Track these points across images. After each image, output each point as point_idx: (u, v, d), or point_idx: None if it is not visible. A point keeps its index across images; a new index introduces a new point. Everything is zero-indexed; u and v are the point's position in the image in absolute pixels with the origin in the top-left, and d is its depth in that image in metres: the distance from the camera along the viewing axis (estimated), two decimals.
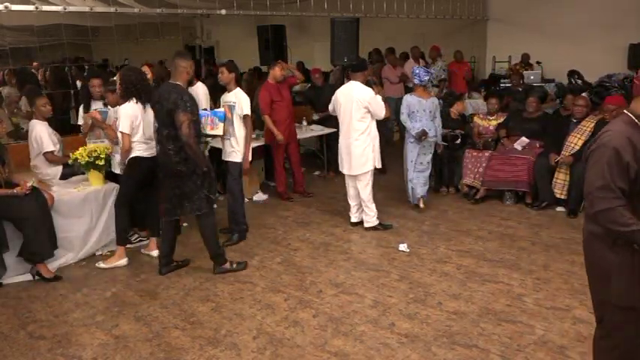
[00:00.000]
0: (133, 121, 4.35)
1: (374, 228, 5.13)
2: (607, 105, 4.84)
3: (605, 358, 2.29)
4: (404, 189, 6.55)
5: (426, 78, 5.60)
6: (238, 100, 4.79)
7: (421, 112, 5.51)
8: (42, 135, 4.81)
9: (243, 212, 5.11)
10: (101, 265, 4.54)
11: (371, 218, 5.14)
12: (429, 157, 5.67)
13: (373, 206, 5.14)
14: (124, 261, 4.57)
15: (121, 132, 4.37)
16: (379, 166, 5.18)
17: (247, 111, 4.79)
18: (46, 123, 4.91)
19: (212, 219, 4.27)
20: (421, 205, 5.62)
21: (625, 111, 2.17)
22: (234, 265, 4.39)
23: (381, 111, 4.98)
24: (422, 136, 5.47)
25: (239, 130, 4.81)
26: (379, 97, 5.05)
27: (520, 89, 7.52)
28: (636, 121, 2.11)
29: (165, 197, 4.18)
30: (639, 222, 2.01)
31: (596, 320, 2.34)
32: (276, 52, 8.84)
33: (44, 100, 4.96)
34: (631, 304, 2.12)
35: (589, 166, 2.14)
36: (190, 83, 4.27)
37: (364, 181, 5.08)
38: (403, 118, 5.60)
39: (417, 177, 5.66)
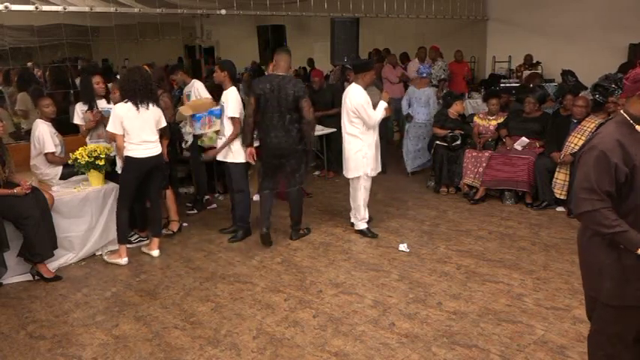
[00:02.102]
0: (121, 122, 4.35)
1: (361, 232, 5.03)
2: (620, 100, 4.93)
3: (597, 354, 2.30)
4: (404, 189, 6.58)
5: (424, 72, 7.09)
6: (227, 100, 4.80)
7: (414, 100, 6.98)
8: (44, 135, 4.81)
9: (249, 210, 5.14)
10: (104, 257, 4.61)
11: (358, 221, 5.05)
12: (423, 137, 6.90)
13: (363, 211, 5.00)
14: (123, 260, 4.57)
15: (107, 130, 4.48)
16: (372, 174, 4.93)
17: (233, 113, 4.76)
18: (49, 123, 4.91)
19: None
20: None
21: (621, 111, 2.19)
22: (305, 230, 5.14)
23: (369, 119, 4.72)
24: (407, 117, 7.08)
25: (229, 130, 4.83)
26: (383, 104, 4.81)
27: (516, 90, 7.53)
28: (630, 120, 2.11)
29: (271, 173, 4.83)
30: (624, 223, 2.03)
31: (588, 317, 2.35)
32: None
33: (47, 100, 4.96)
34: (621, 303, 2.13)
35: (578, 168, 2.18)
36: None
37: (355, 186, 4.96)
38: (403, 102, 7.14)
39: (410, 151, 7.07)
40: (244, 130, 4.82)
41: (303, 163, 4.84)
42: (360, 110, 4.70)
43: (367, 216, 5.04)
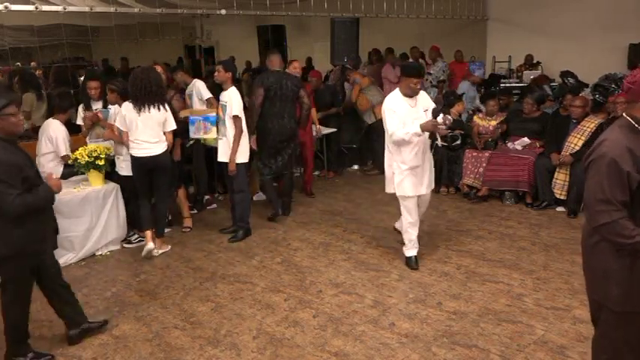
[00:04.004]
0: (124, 118, 4.50)
1: (406, 260, 4.33)
2: (619, 98, 5.02)
3: (600, 358, 2.28)
4: None
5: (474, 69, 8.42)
6: (229, 99, 4.81)
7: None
8: (61, 137, 4.94)
9: (249, 210, 5.17)
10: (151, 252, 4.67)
11: (404, 246, 4.36)
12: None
13: (409, 234, 4.29)
14: (149, 245, 4.63)
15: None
16: (398, 192, 4.23)
17: (236, 112, 4.79)
18: (64, 126, 5.05)
19: None
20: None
21: (624, 114, 2.13)
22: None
23: (387, 132, 4.10)
24: None
25: (231, 130, 4.83)
26: (415, 128, 3.91)
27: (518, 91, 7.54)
28: (635, 124, 2.06)
29: (275, 158, 5.41)
30: None
31: (592, 320, 2.33)
32: None
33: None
34: (628, 309, 2.10)
35: (588, 178, 2.10)
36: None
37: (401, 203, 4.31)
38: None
39: None
40: (252, 119, 5.18)
41: (297, 146, 5.63)
42: (383, 115, 4.15)
43: (414, 242, 4.31)
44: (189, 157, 6.03)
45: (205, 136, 4.96)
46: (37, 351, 3.21)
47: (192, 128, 5.02)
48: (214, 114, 4.95)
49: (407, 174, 4.16)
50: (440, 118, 4.01)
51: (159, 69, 5.13)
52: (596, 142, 2.12)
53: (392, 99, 4.15)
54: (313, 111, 6.31)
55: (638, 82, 2.06)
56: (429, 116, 4.00)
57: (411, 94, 4.11)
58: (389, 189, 4.33)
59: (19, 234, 2.88)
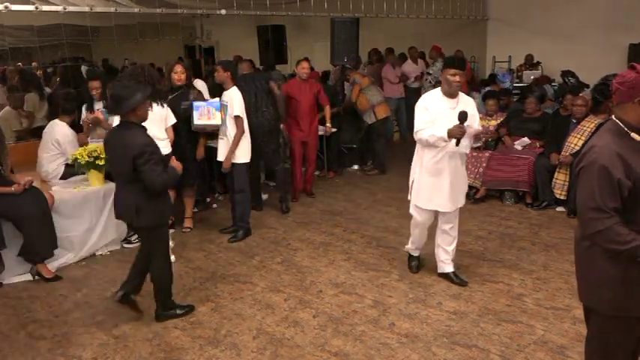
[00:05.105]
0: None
1: (408, 258, 4.34)
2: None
3: (593, 359, 2.28)
4: (404, 189, 6.55)
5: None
6: (230, 99, 4.80)
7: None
8: (67, 140, 4.96)
9: (250, 210, 5.19)
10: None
11: (409, 244, 4.29)
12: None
13: (411, 238, 4.22)
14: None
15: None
16: (423, 205, 3.94)
17: (237, 112, 4.79)
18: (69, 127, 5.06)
19: None
20: None
21: (612, 117, 2.10)
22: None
23: (414, 129, 3.77)
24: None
25: (232, 130, 4.82)
26: (441, 131, 3.54)
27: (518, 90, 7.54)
28: (625, 128, 2.03)
29: (257, 155, 5.47)
30: (638, 236, 1.95)
31: (586, 322, 2.32)
32: (276, 52, 8.84)
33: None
34: (619, 314, 2.08)
35: (579, 185, 2.07)
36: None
37: None
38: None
39: None
40: None
41: (280, 139, 5.75)
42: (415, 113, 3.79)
43: (413, 247, 4.26)
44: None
45: (209, 122, 4.93)
46: (179, 304, 3.72)
47: (195, 114, 4.96)
48: (217, 100, 4.94)
49: (424, 181, 3.83)
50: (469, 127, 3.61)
51: (179, 67, 5.09)
52: (586, 148, 2.09)
53: (428, 96, 3.78)
54: (327, 109, 6.31)
55: (627, 83, 2.00)
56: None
57: (450, 90, 3.64)
58: (409, 195, 4.03)
59: (160, 206, 3.39)
